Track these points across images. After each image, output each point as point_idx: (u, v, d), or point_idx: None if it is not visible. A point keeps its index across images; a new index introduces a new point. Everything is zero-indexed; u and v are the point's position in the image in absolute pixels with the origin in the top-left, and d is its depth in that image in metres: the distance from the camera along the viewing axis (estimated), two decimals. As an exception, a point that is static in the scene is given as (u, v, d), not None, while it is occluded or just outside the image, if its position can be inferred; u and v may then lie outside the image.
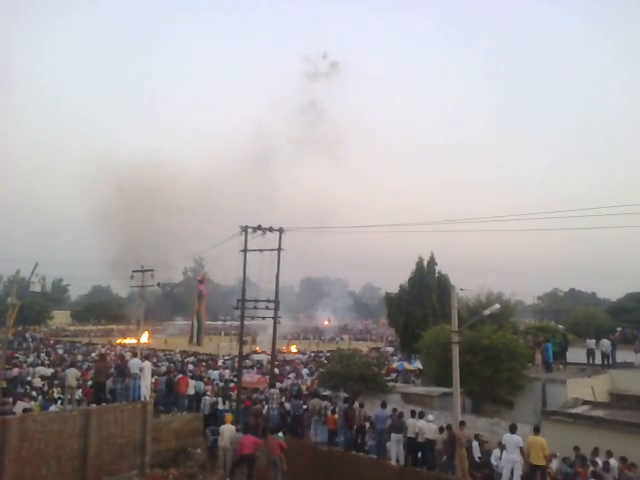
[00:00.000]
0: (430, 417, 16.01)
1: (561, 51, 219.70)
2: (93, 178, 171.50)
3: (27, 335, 68.69)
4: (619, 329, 34.65)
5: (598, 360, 24.59)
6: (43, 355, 44.24)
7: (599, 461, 14.14)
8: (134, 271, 25.81)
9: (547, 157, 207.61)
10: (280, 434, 16.30)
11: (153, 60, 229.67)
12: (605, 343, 24.82)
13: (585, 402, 20.00)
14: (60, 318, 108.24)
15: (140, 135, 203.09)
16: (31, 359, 40.16)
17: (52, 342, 60.94)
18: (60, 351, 49.32)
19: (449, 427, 15.25)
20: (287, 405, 21.26)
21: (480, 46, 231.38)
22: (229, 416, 18.03)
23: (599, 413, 18.50)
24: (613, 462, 14.02)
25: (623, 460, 14.00)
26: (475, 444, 15.61)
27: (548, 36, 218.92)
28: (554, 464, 14.43)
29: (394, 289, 40.97)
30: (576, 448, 14.92)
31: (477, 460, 15.25)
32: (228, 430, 16.63)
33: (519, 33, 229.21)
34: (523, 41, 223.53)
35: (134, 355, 20.72)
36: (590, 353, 24.81)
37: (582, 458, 14.56)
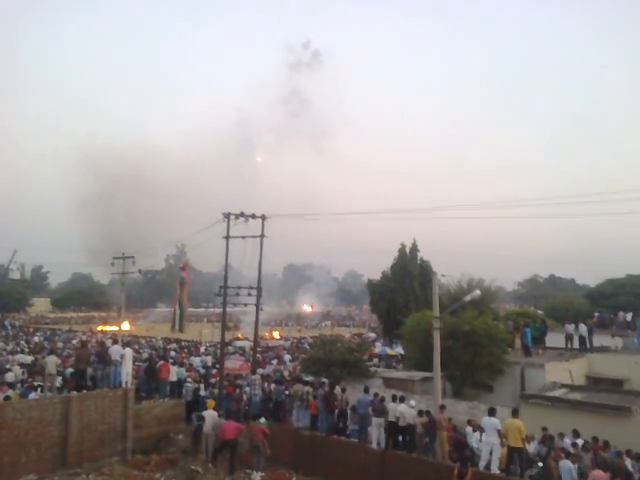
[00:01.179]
0: (412, 402, 16.18)
1: (553, 39, 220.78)
2: (73, 164, 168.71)
3: (6, 323, 67.74)
4: (597, 314, 35.20)
5: (576, 345, 25.01)
6: (23, 343, 43.69)
7: (578, 442, 14.54)
8: (115, 258, 25.53)
9: (533, 146, 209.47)
10: (263, 420, 16.37)
11: (136, 46, 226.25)
12: (583, 328, 25.23)
13: (563, 385, 20.39)
14: (40, 305, 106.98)
15: (120, 121, 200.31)
16: (10, 347, 39.64)
17: (32, 330, 60.21)
18: (40, 338, 48.75)
19: (428, 412, 15.45)
20: (268, 389, 21.29)
21: (468, 34, 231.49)
22: (211, 402, 18.04)
23: (576, 396, 18.88)
24: (580, 442, 14.55)
25: (595, 440, 14.39)
26: (469, 429, 15.79)
27: (540, 27, 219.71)
28: (531, 446, 14.71)
29: (377, 276, 41.18)
30: (544, 429, 15.27)
31: (472, 446, 15.28)
32: (210, 416, 16.64)
33: (507, 21, 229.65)
34: (514, 28, 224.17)
35: (114, 342, 20.55)
36: (569, 338, 25.20)
37: (550, 438, 14.93)
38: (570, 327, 25.58)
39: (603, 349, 25.44)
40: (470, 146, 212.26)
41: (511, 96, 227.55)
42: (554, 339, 25.61)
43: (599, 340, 25.92)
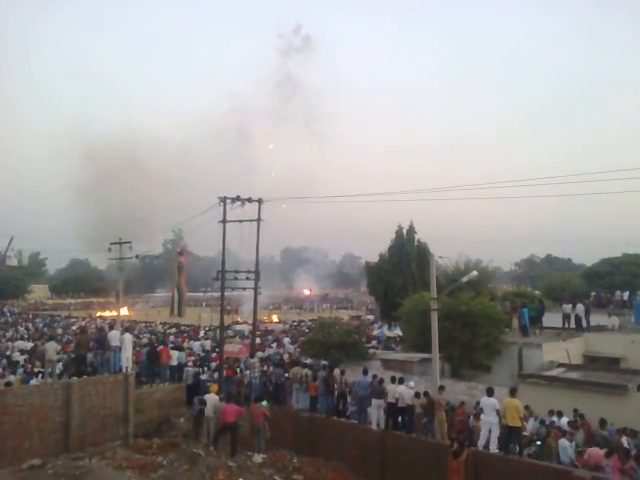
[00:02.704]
0: (411, 384, 16.29)
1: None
2: (69, 150, 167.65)
3: (5, 310, 67.91)
4: (593, 294, 35.30)
5: (573, 324, 25.14)
6: (22, 329, 43.82)
7: (563, 420, 14.95)
8: (112, 243, 25.43)
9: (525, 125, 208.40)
10: (264, 403, 16.51)
11: (130, 34, 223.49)
12: (580, 308, 25.33)
13: (560, 365, 20.54)
14: (38, 292, 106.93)
15: (116, 107, 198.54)
16: (10, 333, 39.78)
17: (31, 316, 60.31)
18: (39, 325, 48.87)
19: (426, 393, 15.59)
20: (267, 372, 21.43)
21: (462, 13, 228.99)
22: (214, 386, 18.20)
23: (573, 375, 19.06)
24: (565, 420, 15.03)
25: (581, 418, 14.93)
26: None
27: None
28: (529, 425, 14.88)
29: (374, 258, 41.09)
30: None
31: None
32: (212, 399, 16.80)
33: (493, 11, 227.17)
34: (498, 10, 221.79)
35: (111, 327, 20.59)
36: (566, 317, 25.32)
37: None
38: (567, 307, 25.68)
39: (600, 328, 25.59)
40: (468, 127, 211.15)
41: (512, 73, 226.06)
42: (551, 319, 25.72)
43: (596, 319, 26.04)
